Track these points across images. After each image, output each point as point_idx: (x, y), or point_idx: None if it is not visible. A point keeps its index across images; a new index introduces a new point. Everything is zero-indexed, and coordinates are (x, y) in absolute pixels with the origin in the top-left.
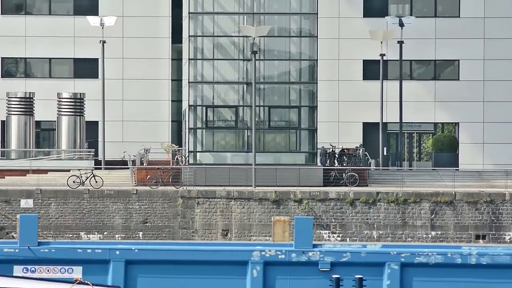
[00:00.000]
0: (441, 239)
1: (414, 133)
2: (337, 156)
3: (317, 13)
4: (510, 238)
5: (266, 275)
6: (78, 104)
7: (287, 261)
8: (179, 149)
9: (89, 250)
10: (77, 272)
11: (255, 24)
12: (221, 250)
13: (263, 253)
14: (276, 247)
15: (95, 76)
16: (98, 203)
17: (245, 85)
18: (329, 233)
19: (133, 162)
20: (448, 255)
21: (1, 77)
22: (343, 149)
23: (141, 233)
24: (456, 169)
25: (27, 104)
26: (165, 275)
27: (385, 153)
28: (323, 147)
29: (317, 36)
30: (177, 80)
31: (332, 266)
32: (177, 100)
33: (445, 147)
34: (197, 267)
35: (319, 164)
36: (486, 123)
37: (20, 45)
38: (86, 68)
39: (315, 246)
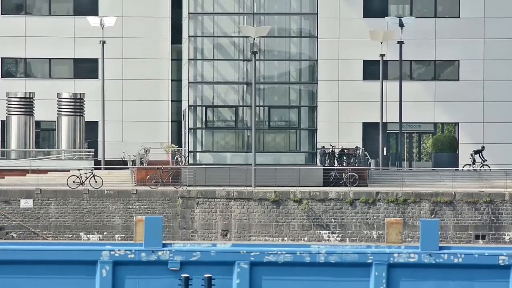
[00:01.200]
0: (441, 239)
1: (414, 133)
2: (337, 156)
3: (317, 13)
4: (510, 238)
5: (116, 274)
6: (78, 104)
7: (137, 261)
8: (179, 149)
9: None
10: None
11: (255, 25)
12: (70, 249)
13: (112, 252)
14: (125, 247)
15: (95, 76)
16: (98, 203)
17: (245, 85)
18: (328, 233)
19: (133, 162)
20: (297, 254)
21: (1, 77)
22: (343, 149)
23: None
24: (456, 169)
25: (27, 104)
26: (14, 275)
27: (385, 153)
28: (323, 147)
29: (317, 36)
30: (177, 80)
31: (182, 265)
32: (177, 100)
33: (445, 147)
34: (47, 267)
35: (318, 164)
36: (486, 123)
37: (20, 45)
38: (86, 68)
39: (164, 245)
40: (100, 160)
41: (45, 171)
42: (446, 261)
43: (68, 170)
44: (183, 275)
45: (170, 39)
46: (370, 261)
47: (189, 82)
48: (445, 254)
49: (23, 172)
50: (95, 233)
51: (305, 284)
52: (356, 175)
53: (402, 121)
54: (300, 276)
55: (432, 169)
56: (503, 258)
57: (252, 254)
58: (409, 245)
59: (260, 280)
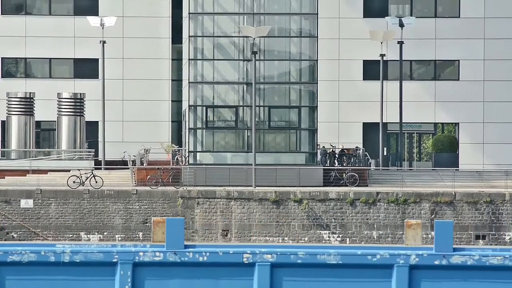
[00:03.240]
0: None
1: (414, 133)
2: (337, 156)
3: (317, 13)
4: (510, 238)
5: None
6: (78, 104)
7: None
8: (179, 149)
9: None
10: None
11: (255, 24)
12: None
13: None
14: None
15: (95, 76)
16: (98, 203)
17: (245, 85)
18: (329, 233)
19: (133, 162)
20: (41, 254)
21: (1, 77)
22: (343, 149)
23: (141, 233)
24: (456, 169)
25: (27, 104)
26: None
27: (385, 153)
28: (323, 147)
29: (317, 36)
30: (177, 80)
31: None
32: (177, 100)
33: (445, 147)
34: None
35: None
36: (486, 123)
37: (20, 45)
38: (86, 68)
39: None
40: (100, 160)
41: (45, 171)
42: (191, 259)
43: (68, 170)
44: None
45: (170, 39)
46: (115, 260)
47: (189, 82)
48: (190, 252)
49: (23, 172)
50: (95, 233)
51: (49, 284)
52: (356, 175)
53: (402, 121)
54: (41, 276)
55: (432, 169)
56: (247, 256)
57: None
58: (155, 244)
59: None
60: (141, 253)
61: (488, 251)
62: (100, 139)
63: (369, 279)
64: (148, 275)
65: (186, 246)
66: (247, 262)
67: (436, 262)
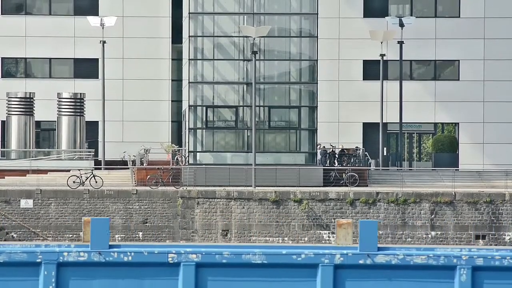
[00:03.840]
0: (441, 239)
1: (414, 133)
2: (337, 156)
3: (317, 13)
4: (510, 239)
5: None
6: (78, 104)
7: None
8: (179, 149)
9: None
10: None
11: (255, 24)
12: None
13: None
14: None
15: (95, 76)
16: (98, 203)
17: (245, 85)
18: (329, 233)
19: (133, 162)
20: None
21: (1, 77)
22: (343, 149)
23: (141, 233)
24: (456, 169)
25: (27, 104)
26: None
27: (385, 153)
28: (324, 147)
29: (317, 36)
30: (177, 80)
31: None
32: (177, 100)
33: (445, 147)
34: None
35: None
36: (486, 123)
37: (20, 45)
38: (86, 68)
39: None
40: (100, 160)
41: (45, 171)
42: (116, 259)
43: (68, 170)
44: None
45: (170, 39)
46: (39, 260)
47: (189, 82)
48: (115, 252)
49: (23, 172)
50: None
51: None
52: (356, 175)
53: (402, 121)
54: None
55: (432, 169)
56: (172, 255)
57: None
58: (79, 244)
59: None
60: (65, 253)
61: (412, 250)
62: (100, 139)
63: (294, 279)
64: (72, 275)
65: (110, 246)
66: (172, 262)
67: (361, 262)
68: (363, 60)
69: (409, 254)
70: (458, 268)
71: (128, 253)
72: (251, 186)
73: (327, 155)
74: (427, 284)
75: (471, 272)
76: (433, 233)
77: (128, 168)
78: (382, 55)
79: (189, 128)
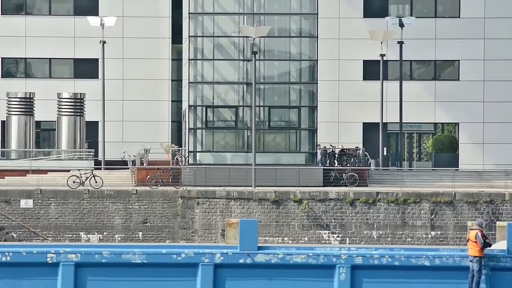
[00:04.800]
0: (441, 239)
1: (414, 133)
2: (337, 156)
3: (317, 14)
4: None
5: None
6: (78, 104)
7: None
8: (179, 149)
9: None
10: None
11: (255, 25)
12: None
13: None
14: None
15: (95, 76)
16: (98, 203)
17: (245, 85)
18: (329, 233)
19: (133, 162)
20: None
21: (1, 77)
22: (343, 149)
23: (140, 233)
24: (456, 169)
25: (27, 104)
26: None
27: (385, 153)
28: (324, 147)
29: (317, 37)
30: (177, 80)
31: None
32: (177, 100)
33: (445, 147)
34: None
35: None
36: (486, 123)
37: (20, 45)
38: (86, 68)
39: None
40: (100, 160)
41: (45, 171)
42: None
43: (68, 170)
44: None
45: (170, 39)
46: None
47: (189, 82)
48: None
49: (23, 172)
50: (95, 233)
51: None
52: (356, 175)
53: (402, 121)
54: None
55: (432, 169)
56: (50, 255)
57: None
58: None
59: None
60: None
61: (292, 249)
62: (100, 139)
63: (174, 278)
64: None
65: None
66: (51, 262)
67: (241, 261)
68: (363, 60)
69: (289, 254)
70: (337, 267)
71: (7, 253)
72: (251, 186)
73: (327, 155)
74: (306, 283)
75: (350, 271)
76: (433, 233)
77: (128, 168)
78: (382, 55)
79: (189, 128)
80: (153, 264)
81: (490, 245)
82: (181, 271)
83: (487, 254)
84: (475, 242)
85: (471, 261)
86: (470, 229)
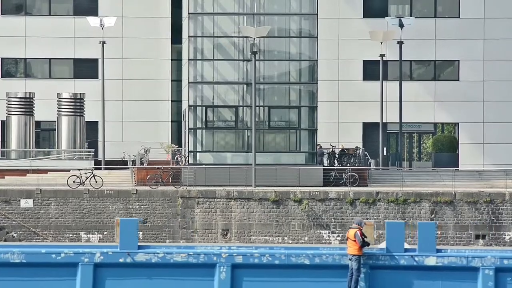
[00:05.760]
0: (441, 239)
1: (414, 133)
2: (337, 156)
3: (317, 14)
4: (510, 238)
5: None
6: (78, 104)
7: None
8: (179, 149)
9: None
10: None
11: (255, 25)
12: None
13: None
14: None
15: (95, 76)
16: (98, 203)
17: (245, 86)
18: (329, 233)
19: (133, 162)
20: None
21: (1, 77)
22: (343, 149)
23: (141, 233)
24: (456, 169)
25: (27, 104)
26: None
27: (385, 153)
28: (321, 147)
29: (317, 37)
30: (177, 80)
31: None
32: (177, 100)
33: (445, 147)
34: None
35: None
36: (486, 123)
37: (20, 45)
38: (86, 68)
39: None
40: (100, 160)
41: (45, 171)
42: None
43: (68, 170)
44: None
45: (170, 39)
46: None
47: (189, 82)
48: None
49: (23, 172)
50: (95, 233)
51: None
52: (356, 175)
53: (402, 121)
54: None
55: (432, 169)
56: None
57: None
58: None
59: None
60: None
61: (173, 248)
62: (100, 139)
63: (54, 278)
64: None
65: None
66: None
67: (121, 260)
68: (363, 60)
69: (169, 253)
70: (218, 266)
71: None
72: (251, 186)
73: (327, 155)
74: (187, 282)
75: (230, 270)
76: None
77: (128, 168)
78: (382, 55)
79: (189, 128)
80: (33, 263)
81: (368, 244)
82: (61, 271)
83: (366, 252)
84: (354, 240)
85: (350, 259)
86: (349, 228)
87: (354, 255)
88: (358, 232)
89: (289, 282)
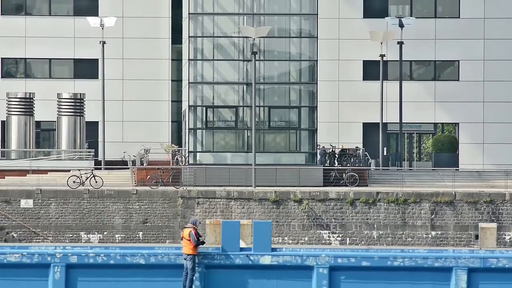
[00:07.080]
0: (441, 239)
1: (414, 133)
2: (337, 156)
3: (317, 14)
4: (510, 238)
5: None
6: (78, 104)
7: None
8: (179, 149)
9: None
10: None
11: (255, 25)
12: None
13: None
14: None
15: (95, 76)
16: (98, 203)
17: (245, 86)
18: (329, 233)
19: (133, 162)
20: None
21: (1, 77)
22: (343, 149)
23: (141, 233)
24: (456, 169)
25: (27, 104)
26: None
27: (385, 153)
28: (323, 147)
29: (317, 37)
30: (177, 80)
31: None
32: (177, 100)
33: (445, 147)
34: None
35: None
36: (486, 123)
37: (20, 45)
38: (86, 68)
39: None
40: (100, 160)
41: (45, 171)
42: None
43: (68, 170)
44: None
45: (170, 39)
46: None
47: (189, 82)
48: None
49: (23, 172)
50: (95, 233)
51: None
52: (356, 175)
53: (402, 121)
54: None
55: (432, 169)
56: None
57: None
58: None
59: None
60: None
61: (7, 248)
62: (100, 139)
63: None
64: None
65: None
66: None
67: None
68: (363, 61)
69: (3, 253)
70: (52, 266)
71: None
72: (251, 186)
73: (327, 155)
74: (21, 283)
75: (65, 270)
76: (433, 233)
77: (128, 168)
78: (382, 56)
79: (189, 128)
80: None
81: (203, 243)
82: None
83: (201, 252)
84: (189, 240)
85: (185, 259)
86: (184, 227)
87: (189, 255)
88: (193, 232)
89: (124, 282)
